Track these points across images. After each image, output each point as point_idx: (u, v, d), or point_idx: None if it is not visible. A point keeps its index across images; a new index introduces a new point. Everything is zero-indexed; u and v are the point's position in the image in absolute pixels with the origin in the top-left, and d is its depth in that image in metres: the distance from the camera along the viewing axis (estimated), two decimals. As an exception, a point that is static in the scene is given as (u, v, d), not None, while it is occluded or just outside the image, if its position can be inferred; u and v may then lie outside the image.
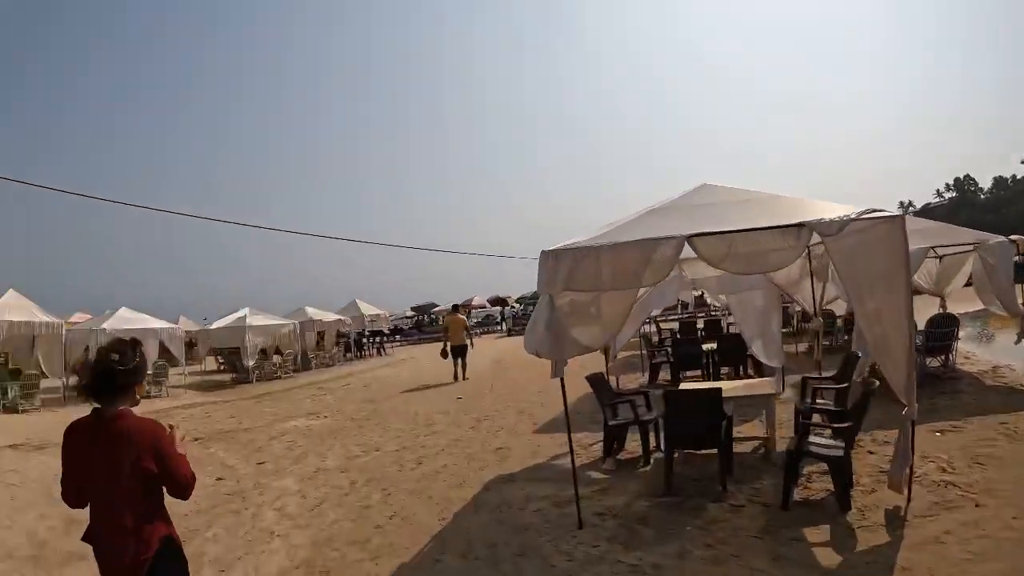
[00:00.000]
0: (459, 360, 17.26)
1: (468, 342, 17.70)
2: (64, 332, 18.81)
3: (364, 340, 33.60)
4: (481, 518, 5.90)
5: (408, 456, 8.71)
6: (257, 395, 18.57)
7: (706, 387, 8.04)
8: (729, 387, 7.67)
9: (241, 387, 21.70)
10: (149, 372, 20.12)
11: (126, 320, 20.70)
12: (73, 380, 22.38)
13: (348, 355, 30.62)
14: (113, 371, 2.73)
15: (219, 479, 8.37)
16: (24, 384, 17.74)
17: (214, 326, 24.31)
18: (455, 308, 20.75)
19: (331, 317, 29.38)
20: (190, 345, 26.60)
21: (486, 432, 9.84)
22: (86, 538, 2.83)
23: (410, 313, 51.96)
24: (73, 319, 26.98)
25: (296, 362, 25.25)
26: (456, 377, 17.02)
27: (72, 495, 2.83)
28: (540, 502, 6.12)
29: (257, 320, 23.12)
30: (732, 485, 5.92)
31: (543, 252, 5.18)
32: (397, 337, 43.60)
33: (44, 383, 19.20)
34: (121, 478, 2.69)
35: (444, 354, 17.42)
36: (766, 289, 9.56)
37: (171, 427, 2.91)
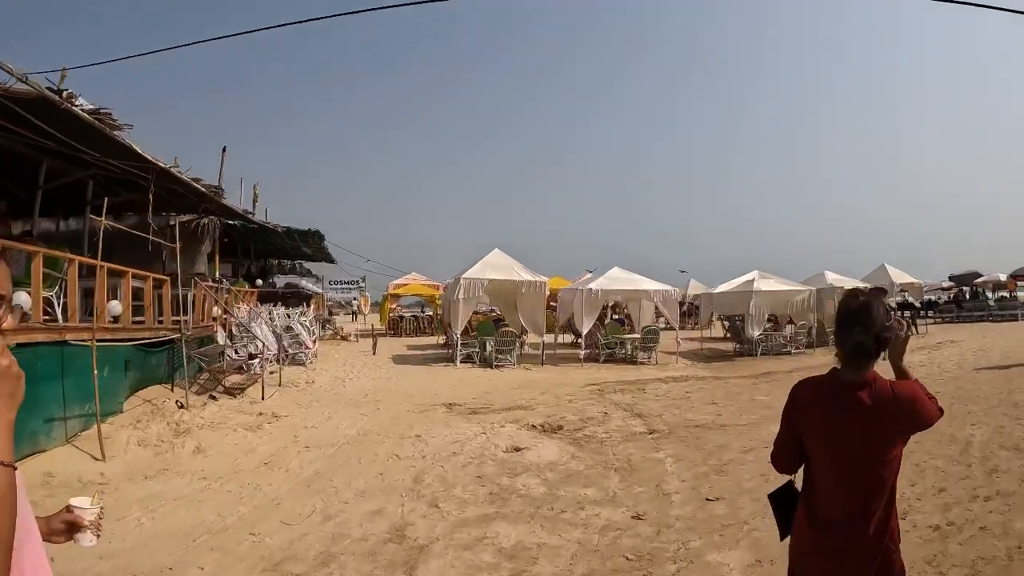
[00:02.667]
0: None
1: None
2: (546, 290, 18.93)
3: (892, 314, 28.44)
4: None
5: (970, 541, 4.96)
6: (756, 374, 16.15)
7: None
8: None
9: (741, 361, 19.66)
10: (637, 336, 19.43)
11: (616, 280, 19.87)
12: (568, 339, 23.28)
13: (872, 331, 26.18)
14: (880, 328, 2.30)
15: (636, 517, 5.93)
16: (501, 340, 18.22)
17: (718, 290, 22.62)
18: None
19: (858, 285, 24.95)
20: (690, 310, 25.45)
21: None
22: (812, 517, 2.40)
23: (947, 284, 43.40)
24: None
25: (810, 335, 22.05)
26: None
27: (785, 459, 2.53)
28: None
29: (766, 285, 20.62)
30: None
31: None
32: (930, 313, 36.37)
33: (534, 340, 19.78)
34: (863, 454, 2.26)
35: None
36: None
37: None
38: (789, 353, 20.52)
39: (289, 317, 19.47)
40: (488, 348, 18.33)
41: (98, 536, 1.78)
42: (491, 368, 17.95)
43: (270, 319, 17.76)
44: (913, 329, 27.41)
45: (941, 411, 2.36)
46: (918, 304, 34.06)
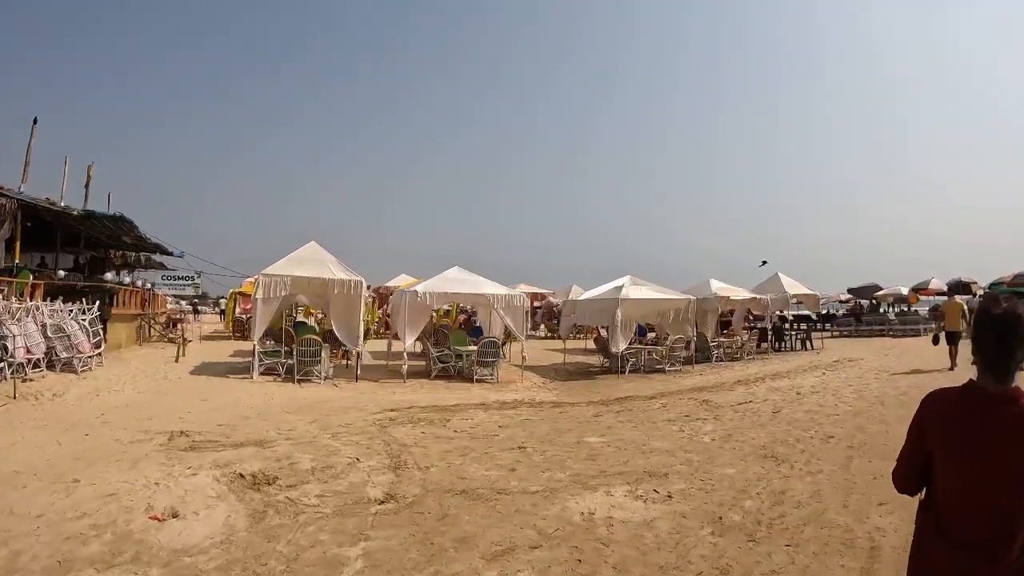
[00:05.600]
0: (953, 348, 16.18)
1: (963, 329, 16.21)
2: (363, 292, 15.42)
3: (785, 327, 26.08)
4: None
5: None
6: (610, 399, 12.73)
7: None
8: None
9: (604, 379, 16.34)
10: (473, 348, 15.88)
11: (451, 282, 16.30)
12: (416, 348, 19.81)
13: (763, 346, 23.49)
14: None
15: None
16: (303, 350, 14.74)
17: (582, 296, 19.25)
18: (951, 292, 20.50)
19: (742, 294, 22.18)
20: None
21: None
22: (942, 539, 2.17)
23: (845, 296, 41.83)
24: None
25: (688, 349, 18.85)
26: (953, 367, 15.73)
27: (911, 478, 2.31)
28: None
29: (636, 292, 17.32)
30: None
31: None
32: (827, 326, 34.50)
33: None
34: (1011, 473, 2.02)
35: (936, 340, 16.62)
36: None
37: None
38: (663, 371, 17.24)
39: (71, 314, 15.85)
40: (294, 360, 14.60)
41: None
42: (294, 383, 14.34)
43: (42, 317, 14.72)
44: (808, 344, 24.86)
45: None
46: (815, 316, 31.96)
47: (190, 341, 26.98)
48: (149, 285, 29.29)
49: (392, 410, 11.29)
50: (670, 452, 8.01)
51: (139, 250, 28.53)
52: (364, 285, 15.25)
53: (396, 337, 17.72)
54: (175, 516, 5.73)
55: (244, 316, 30.19)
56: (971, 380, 2.15)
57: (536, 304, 35.36)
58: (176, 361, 18.50)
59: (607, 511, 5.71)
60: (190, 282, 32.54)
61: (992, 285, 33.97)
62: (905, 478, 2.32)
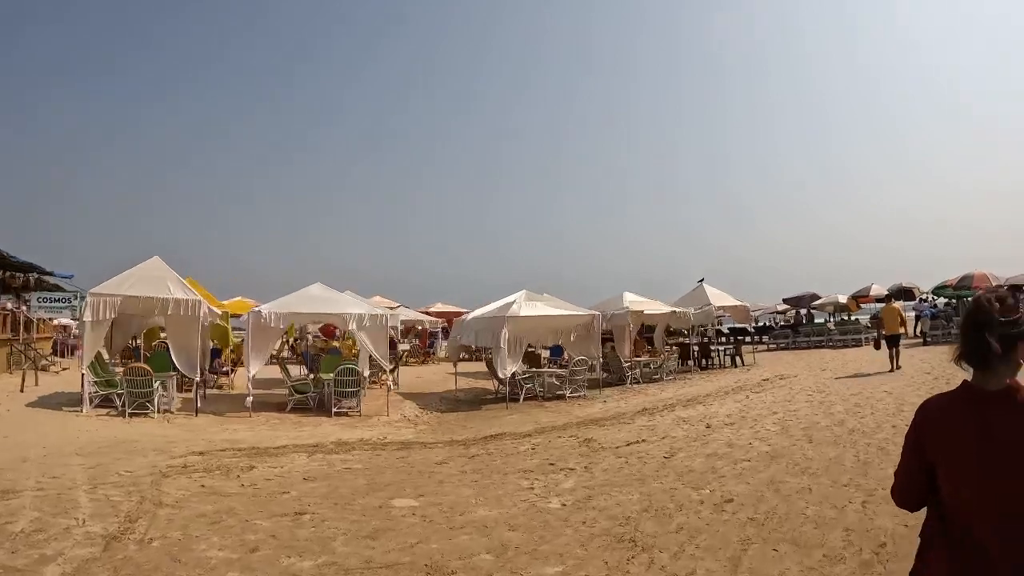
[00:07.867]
0: (893, 349, 16.73)
1: (902, 331, 17.56)
2: (204, 312, 13.31)
3: (713, 342, 24.29)
4: None
5: None
6: (476, 438, 10.73)
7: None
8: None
9: (489, 410, 14.45)
10: (330, 376, 13.74)
11: (307, 300, 14.31)
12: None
13: (687, 363, 21.66)
14: (992, 323, 1.90)
15: None
16: (132, 379, 12.78)
17: (470, 316, 17.21)
18: (889, 298, 20.79)
19: (659, 308, 20.21)
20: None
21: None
22: (950, 553, 1.96)
23: (782, 307, 40.34)
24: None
25: (597, 371, 16.86)
26: (892, 368, 16.45)
27: (913, 492, 2.10)
28: None
29: (529, 309, 15.29)
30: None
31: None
32: (763, 339, 32.85)
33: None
34: (1017, 477, 1.83)
35: (877, 345, 17.83)
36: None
37: None
38: (563, 397, 15.25)
39: None
40: (123, 392, 12.74)
41: None
42: (124, 418, 12.44)
43: None
44: (739, 360, 23.09)
45: None
46: (751, 329, 30.50)
47: (66, 368, 24.94)
48: (24, 308, 27.09)
49: (200, 453, 9.38)
50: (488, 528, 5.86)
51: (5, 269, 26.30)
52: (203, 306, 13.08)
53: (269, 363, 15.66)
54: None
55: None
56: (965, 380, 1.98)
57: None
58: (21, 391, 16.32)
59: None
60: (67, 304, 30.07)
61: (936, 289, 32.90)
62: (908, 497, 2.11)
